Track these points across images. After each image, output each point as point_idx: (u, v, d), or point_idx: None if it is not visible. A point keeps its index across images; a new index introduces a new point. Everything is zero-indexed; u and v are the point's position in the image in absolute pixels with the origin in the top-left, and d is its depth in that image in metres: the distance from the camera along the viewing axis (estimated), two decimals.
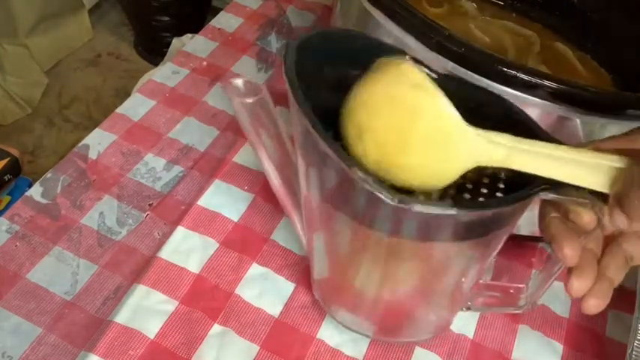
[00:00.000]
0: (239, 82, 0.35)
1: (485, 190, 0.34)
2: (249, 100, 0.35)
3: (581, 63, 0.54)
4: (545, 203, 0.34)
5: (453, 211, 0.30)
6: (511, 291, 0.41)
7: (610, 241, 0.36)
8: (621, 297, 0.48)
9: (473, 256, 0.36)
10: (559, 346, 0.45)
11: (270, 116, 0.36)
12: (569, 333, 0.45)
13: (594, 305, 0.34)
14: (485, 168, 0.32)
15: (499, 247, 0.36)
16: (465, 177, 0.34)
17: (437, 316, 0.41)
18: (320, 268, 0.42)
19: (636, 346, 0.41)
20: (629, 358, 0.41)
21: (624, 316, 0.47)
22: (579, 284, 0.33)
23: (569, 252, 0.32)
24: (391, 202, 0.28)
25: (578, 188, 0.31)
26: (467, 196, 0.34)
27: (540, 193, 0.31)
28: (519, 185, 0.34)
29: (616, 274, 0.35)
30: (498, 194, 0.35)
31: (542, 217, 0.35)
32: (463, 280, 0.38)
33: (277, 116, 0.37)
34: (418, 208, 0.29)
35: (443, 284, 0.38)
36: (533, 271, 0.39)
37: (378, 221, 0.33)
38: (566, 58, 0.54)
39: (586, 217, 0.32)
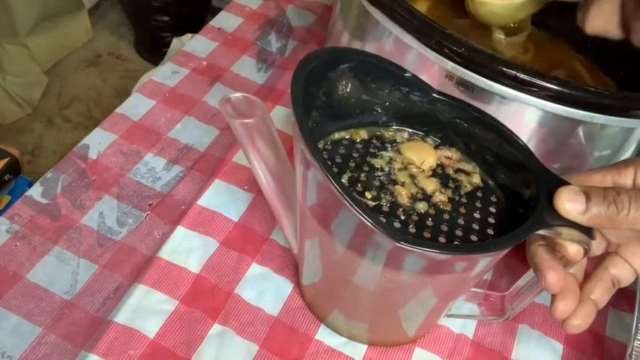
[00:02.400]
0: (238, 97, 0.35)
1: (476, 226, 0.35)
2: (249, 121, 0.35)
3: (584, 67, 0.54)
4: None
5: (454, 254, 0.31)
6: (492, 299, 0.41)
7: (597, 262, 0.37)
8: (621, 297, 0.48)
9: (462, 280, 0.36)
10: (559, 346, 0.45)
11: (269, 132, 0.36)
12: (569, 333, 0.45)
13: (577, 326, 0.36)
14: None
15: (489, 269, 0.37)
16: (457, 210, 0.35)
17: (423, 322, 0.42)
18: (310, 276, 0.42)
19: (636, 346, 0.41)
20: (629, 358, 0.41)
21: (624, 316, 0.47)
22: (563, 307, 0.35)
23: (552, 282, 0.33)
24: (396, 243, 0.29)
25: (568, 226, 0.32)
26: (459, 232, 0.34)
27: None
28: (508, 213, 0.35)
29: (601, 298, 0.37)
30: (489, 230, 0.35)
31: (528, 244, 0.35)
32: (455, 294, 0.39)
33: (275, 133, 0.37)
34: (419, 249, 0.29)
35: (437, 300, 0.38)
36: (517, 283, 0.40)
37: (374, 255, 0.33)
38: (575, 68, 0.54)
39: (572, 250, 0.33)
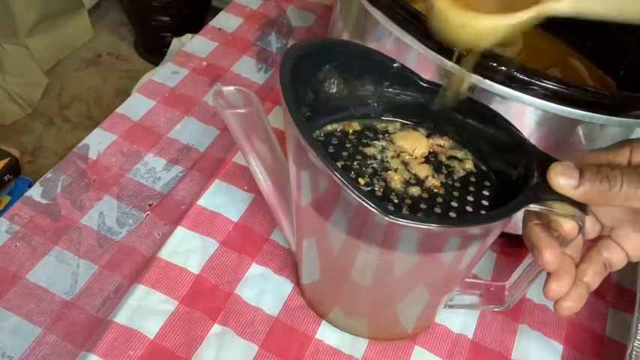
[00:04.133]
0: (230, 89, 0.35)
1: (470, 209, 0.35)
2: (240, 111, 0.34)
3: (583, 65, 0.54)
4: (528, 211, 0.35)
5: (445, 226, 0.31)
6: (492, 289, 0.42)
7: (590, 246, 0.37)
8: (621, 297, 0.48)
9: (460, 263, 0.36)
10: (559, 346, 0.45)
11: (262, 124, 0.36)
12: (569, 333, 0.45)
13: (569, 308, 0.35)
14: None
15: (483, 254, 0.37)
16: (450, 194, 0.35)
17: (421, 314, 0.42)
18: (309, 273, 0.42)
19: (636, 346, 0.41)
20: (629, 358, 0.41)
21: (624, 316, 0.47)
22: (557, 288, 0.35)
23: (549, 259, 0.33)
24: (385, 218, 0.29)
25: (561, 201, 0.32)
26: (452, 214, 0.34)
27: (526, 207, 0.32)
28: (502, 197, 0.35)
29: (593, 280, 0.36)
30: (482, 212, 0.35)
31: (524, 224, 0.35)
32: (450, 282, 0.39)
33: (269, 125, 0.37)
34: (410, 224, 0.29)
35: (432, 288, 0.38)
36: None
37: (369, 235, 0.33)
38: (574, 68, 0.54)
39: (567, 226, 0.33)
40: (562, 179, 0.31)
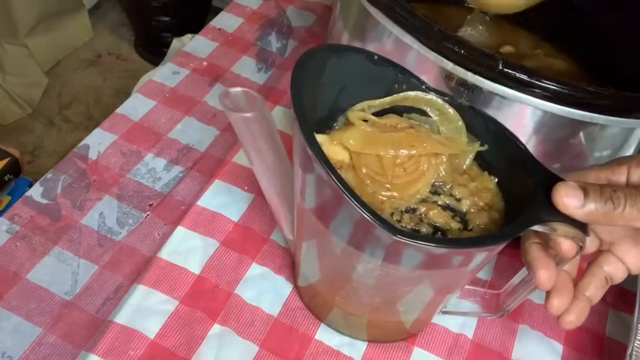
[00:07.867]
0: (238, 91, 0.35)
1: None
2: (248, 115, 0.34)
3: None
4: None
5: (450, 248, 0.31)
6: (486, 296, 0.42)
7: (591, 260, 0.37)
8: (621, 297, 0.48)
9: (459, 274, 0.36)
10: (559, 346, 0.45)
11: (268, 127, 0.36)
12: (569, 333, 0.46)
13: (571, 322, 0.36)
14: None
15: (486, 264, 0.37)
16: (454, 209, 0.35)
17: (420, 316, 0.42)
18: (307, 275, 0.42)
19: (636, 346, 0.41)
20: (629, 358, 0.41)
21: (624, 316, 0.47)
22: (558, 303, 0.36)
23: (544, 278, 0.34)
24: (393, 237, 0.29)
25: (563, 222, 0.32)
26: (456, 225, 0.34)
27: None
28: (505, 217, 0.35)
29: (595, 294, 0.37)
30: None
31: (523, 241, 0.36)
32: (452, 289, 0.39)
33: (275, 128, 0.37)
34: (416, 243, 0.29)
35: (433, 294, 0.38)
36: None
37: (371, 248, 0.33)
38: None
39: (565, 245, 0.33)
40: (567, 199, 0.31)
